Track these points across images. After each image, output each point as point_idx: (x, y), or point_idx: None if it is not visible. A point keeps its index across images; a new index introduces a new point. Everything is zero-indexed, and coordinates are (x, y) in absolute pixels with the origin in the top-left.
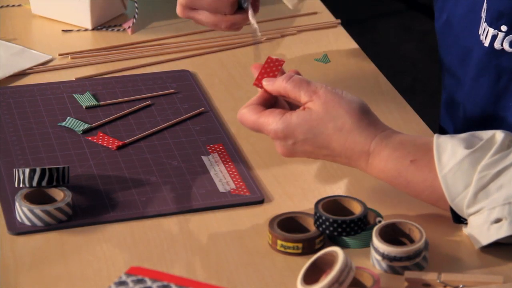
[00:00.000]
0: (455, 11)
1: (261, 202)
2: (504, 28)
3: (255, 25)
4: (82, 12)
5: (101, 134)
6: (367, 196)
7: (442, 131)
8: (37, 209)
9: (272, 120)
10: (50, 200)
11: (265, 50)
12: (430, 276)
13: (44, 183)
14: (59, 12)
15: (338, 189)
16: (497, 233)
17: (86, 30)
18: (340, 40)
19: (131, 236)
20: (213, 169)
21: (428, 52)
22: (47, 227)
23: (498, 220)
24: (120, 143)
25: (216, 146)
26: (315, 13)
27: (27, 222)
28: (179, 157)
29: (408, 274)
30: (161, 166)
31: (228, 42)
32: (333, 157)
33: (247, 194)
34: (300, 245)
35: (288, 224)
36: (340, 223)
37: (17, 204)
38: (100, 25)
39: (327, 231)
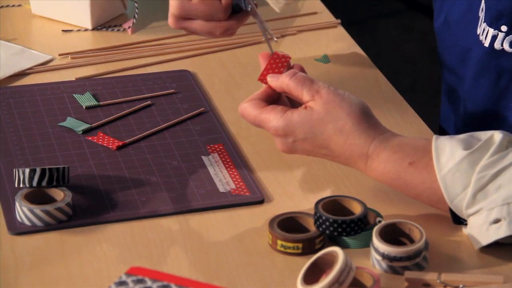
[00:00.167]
0: (453, 11)
1: (261, 202)
2: (504, 28)
3: (265, 24)
4: (82, 12)
5: (101, 134)
6: (367, 196)
7: (442, 131)
8: (37, 209)
9: (274, 117)
10: (50, 200)
11: (265, 50)
12: (430, 276)
13: (44, 183)
14: (59, 12)
15: (338, 189)
16: (496, 233)
17: (86, 30)
18: (340, 40)
19: (131, 236)
20: (213, 169)
21: (428, 52)
22: (47, 227)
23: (497, 221)
24: (120, 143)
25: (216, 146)
26: (315, 13)
27: (27, 222)
28: (179, 157)
29: (408, 274)
30: (161, 166)
31: (228, 42)
32: (333, 157)
33: (247, 194)
34: (300, 245)
35: (288, 224)
36: (340, 223)
37: (17, 204)
38: (100, 25)
39: (327, 231)
